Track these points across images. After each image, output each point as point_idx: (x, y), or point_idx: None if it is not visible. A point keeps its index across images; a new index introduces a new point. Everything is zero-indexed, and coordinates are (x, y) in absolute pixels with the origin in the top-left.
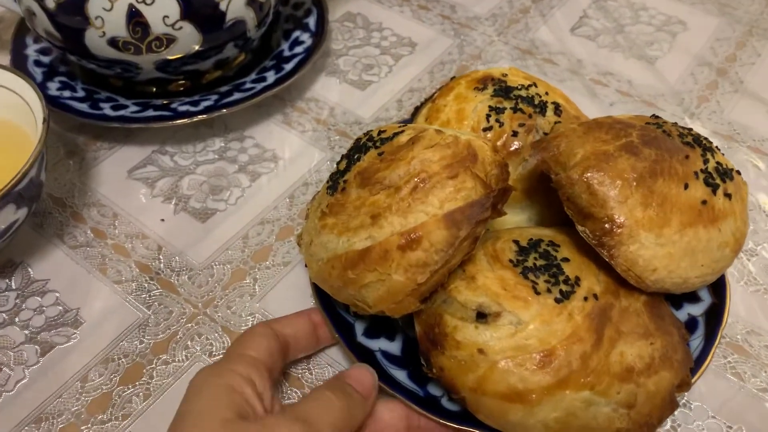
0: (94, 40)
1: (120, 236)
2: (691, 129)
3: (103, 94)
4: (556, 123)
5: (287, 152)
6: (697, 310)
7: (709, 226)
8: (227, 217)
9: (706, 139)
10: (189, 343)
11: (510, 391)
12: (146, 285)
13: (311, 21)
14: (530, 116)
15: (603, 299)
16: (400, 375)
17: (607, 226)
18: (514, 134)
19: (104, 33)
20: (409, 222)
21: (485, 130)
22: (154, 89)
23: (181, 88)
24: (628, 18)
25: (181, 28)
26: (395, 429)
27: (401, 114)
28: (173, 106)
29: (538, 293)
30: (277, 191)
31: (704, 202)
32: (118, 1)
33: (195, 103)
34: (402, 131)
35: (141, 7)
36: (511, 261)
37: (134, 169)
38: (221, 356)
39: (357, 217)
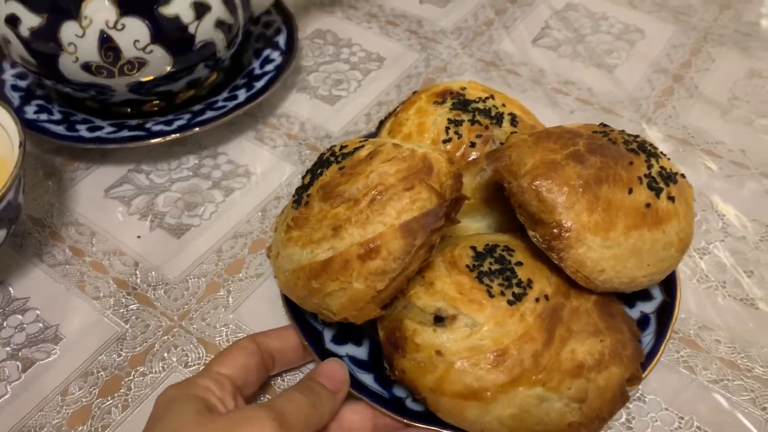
0: (67, 65)
1: (98, 254)
2: (637, 136)
3: (79, 116)
4: (512, 133)
5: (259, 167)
6: (649, 307)
7: (653, 228)
8: (202, 232)
9: (651, 144)
10: (165, 354)
11: (466, 390)
12: (123, 300)
13: (281, 39)
14: (487, 127)
15: (554, 300)
16: (367, 378)
17: (555, 230)
18: (472, 145)
19: (77, 58)
20: (368, 232)
21: (445, 141)
22: (129, 110)
23: (156, 108)
24: (588, 28)
25: (151, 51)
26: (362, 430)
27: (369, 127)
28: (147, 125)
29: (492, 296)
30: (249, 205)
31: (648, 206)
32: (90, 27)
33: (168, 123)
34: (362, 146)
35: (112, 32)
36: (467, 266)
37: (111, 188)
38: (197, 366)
39: (319, 230)
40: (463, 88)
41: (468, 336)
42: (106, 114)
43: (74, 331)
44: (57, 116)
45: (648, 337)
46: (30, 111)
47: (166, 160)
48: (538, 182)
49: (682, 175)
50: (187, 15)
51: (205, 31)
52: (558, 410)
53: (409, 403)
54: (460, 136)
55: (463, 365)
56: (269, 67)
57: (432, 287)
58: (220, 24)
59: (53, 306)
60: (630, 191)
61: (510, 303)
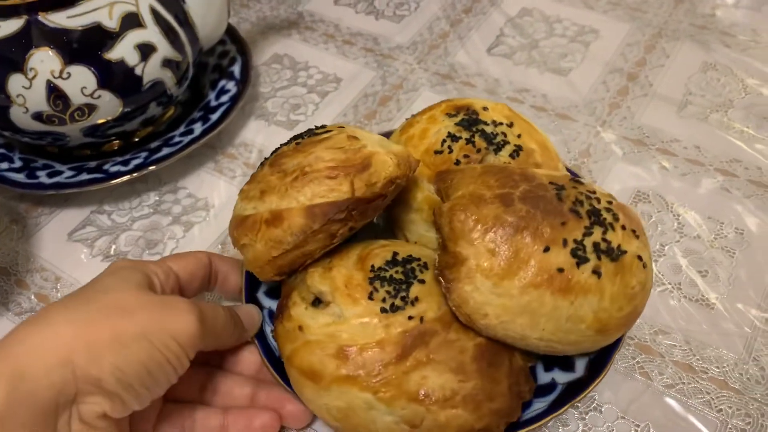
0: (19, 116)
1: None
2: (610, 202)
3: (39, 162)
4: (506, 164)
5: (217, 200)
6: (562, 378)
7: (557, 294)
8: None
9: (614, 215)
10: None
11: (308, 369)
12: None
13: (236, 69)
14: (479, 151)
15: (429, 325)
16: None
17: (451, 260)
18: (457, 163)
19: (27, 109)
20: (282, 204)
21: (437, 152)
22: (89, 152)
23: (115, 148)
24: (542, 32)
25: (99, 96)
26: (248, 369)
27: None
28: (105, 167)
29: (371, 299)
30: (209, 239)
31: (560, 270)
32: (36, 78)
33: (126, 163)
34: (331, 131)
35: (58, 81)
36: (372, 266)
37: (74, 231)
38: None
39: (255, 190)
40: (485, 108)
41: (330, 324)
42: (67, 157)
43: None
44: (17, 164)
45: (542, 405)
46: None
47: (128, 198)
48: (456, 211)
49: (639, 258)
50: (132, 58)
51: (152, 71)
52: (386, 424)
53: None
54: (451, 152)
55: (313, 347)
56: (224, 98)
57: (329, 272)
58: (167, 63)
59: None
60: (546, 249)
61: (382, 311)
